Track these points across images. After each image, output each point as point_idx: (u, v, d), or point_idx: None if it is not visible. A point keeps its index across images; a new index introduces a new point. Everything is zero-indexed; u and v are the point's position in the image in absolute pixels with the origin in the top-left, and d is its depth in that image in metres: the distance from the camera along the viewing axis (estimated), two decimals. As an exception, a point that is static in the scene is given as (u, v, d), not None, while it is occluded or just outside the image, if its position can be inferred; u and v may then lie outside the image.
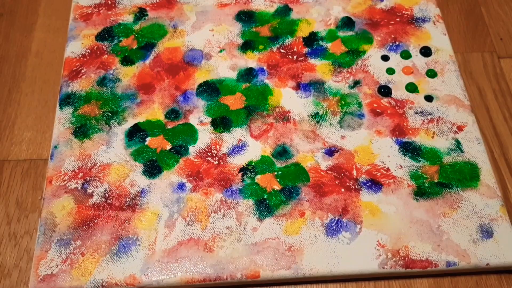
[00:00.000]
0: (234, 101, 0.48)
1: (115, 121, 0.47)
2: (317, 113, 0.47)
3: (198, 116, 0.47)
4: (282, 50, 0.51)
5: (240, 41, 0.52)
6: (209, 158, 0.44)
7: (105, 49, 0.51)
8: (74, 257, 0.40)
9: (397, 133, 0.46)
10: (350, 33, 0.52)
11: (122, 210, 0.42)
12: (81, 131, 0.46)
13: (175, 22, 0.53)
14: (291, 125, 0.46)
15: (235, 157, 0.44)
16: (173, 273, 0.39)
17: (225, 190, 0.43)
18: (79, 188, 0.43)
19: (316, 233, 0.41)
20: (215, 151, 0.45)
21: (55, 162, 0.44)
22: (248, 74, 0.49)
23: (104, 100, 0.48)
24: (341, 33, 0.52)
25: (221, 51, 0.51)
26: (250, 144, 0.45)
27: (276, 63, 0.50)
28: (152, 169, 0.44)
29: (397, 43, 0.51)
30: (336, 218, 0.41)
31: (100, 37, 0.52)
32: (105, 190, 0.43)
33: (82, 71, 0.49)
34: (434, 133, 0.46)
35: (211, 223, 0.41)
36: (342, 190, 0.43)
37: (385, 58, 0.50)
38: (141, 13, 0.54)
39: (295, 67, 0.50)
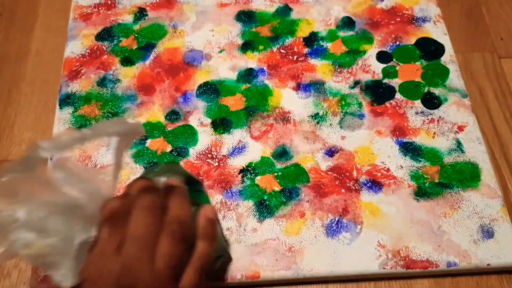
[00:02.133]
0: (234, 102, 0.48)
1: (115, 121, 0.46)
2: (317, 113, 0.47)
3: (198, 118, 0.47)
4: (282, 51, 0.51)
5: (240, 41, 0.51)
6: (209, 160, 0.44)
7: (105, 49, 0.51)
8: (75, 258, 0.40)
9: (397, 133, 0.46)
10: (351, 33, 0.52)
11: (122, 211, 0.42)
12: (81, 131, 0.46)
13: (175, 22, 0.53)
14: (291, 125, 0.46)
15: (235, 158, 0.44)
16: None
17: (225, 191, 0.43)
18: (79, 189, 0.43)
19: (316, 234, 0.41)
20: (215, 153, 0.45)
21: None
22: (248, 74, 0.49)
23: (104, 100, 0.48)
24: (341, 33, 0.52)
25: (221, 51, 0.51)
26: (250, 145, 0.45)
27: (276, 63, 0.50)
28: (152, 170, 0.44)
29: (397, 43, 0.51)
30: (336, 219, 0.41)
31: (100, 37, 0.52)
32: (105, 191, 0.43)
33: (82, 71, 0.49)
34: (434, 133, 0.46)
35: (211, 224, 0.41)
36: (342, 190, 0.43)
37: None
38: (141, 13, 0.53)
39: (295, 67, 0.50)
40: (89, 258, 0.30)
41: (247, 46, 0.51)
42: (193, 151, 0.45)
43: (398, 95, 0.48)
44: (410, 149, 0.45)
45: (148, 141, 0.45)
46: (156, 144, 0.45)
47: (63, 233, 0.29)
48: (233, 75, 0.49)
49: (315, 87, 0.48)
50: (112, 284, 0.29)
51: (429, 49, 0.51)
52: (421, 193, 0.43)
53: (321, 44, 0.51)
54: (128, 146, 0.33)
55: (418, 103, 0.47)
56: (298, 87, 0.48)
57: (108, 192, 0.32)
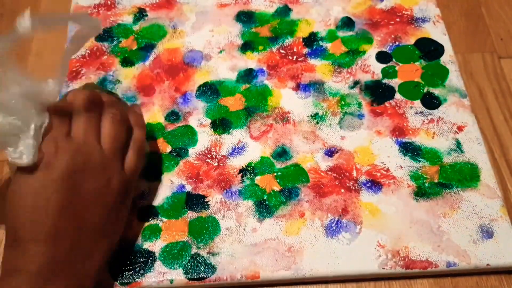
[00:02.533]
0: (234, 102, 0.48)
1: (115, 122, 0.47)
2: (317, 113, 0.47)
3: (197, 118, 0.47)
4: (281, 51, 0.51)
5: (240, 41, 0.51)
6: (209, 160, 0.44)
7: (104, 50, 0.51)
8: (74, 258, 0.40)
9: (397, 133, 0.46)
10: (350, 33, 0.52)
11: (122, 211, 0.42)
12: (81, 132, 0.46)
13: (175, 22, 0.53)
14: (291, 126, 0.46)
15: (234, 158, 0.44)
16: (173, 274, 0.39)
17: (225, 191, 0.43)
18: (79, 189, 0.43)
19: (316, 234, 0.41)
20: (214, 153, 0.45)
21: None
22: (247, 75, 0.49)
23: (104, 101, 0.48)
24: (341, 33, 0.52)
25: (220, 52, 0.51)
26: (249, 145, 0.45)
27: (275, 63, 0.50)
28: (152, 171, 0.44)
29: (397, 43, 0.51)
30: (336, 219, 0.41)
31: (99, 37, 0.52)
32: (105, 191, 0.43)
33: (82, 71, 0.50)
34: (434, 133, 0.46)
35: (211, 224, 0.41)
36: (342, 190, 0.43)
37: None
38: (140, 13, 0.54)
39: (295, 67, 0.50)
40: (45, 140, 0.34)
41: (246, 47, 0.51)
42: (192, 151, 0.45)
43: (397, 95, 0.48)
44: (409, 149, 0.45)
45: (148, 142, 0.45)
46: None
47: (22, 114, 0.33)
48: (232, 76, 0.49)
49: (315, 87, 0.49)
50: (67, 162, 0.33)
51: (429, 49, 0.51)
52: (420, 193, 0.43)
53: (321, 44, 0.51)
54: (79, 45, 0.39)
55: (417, 103, 0.47)
56: (297, 87, 0.49)
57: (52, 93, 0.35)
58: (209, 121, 0.47)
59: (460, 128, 0.46)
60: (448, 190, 0.43)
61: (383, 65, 0.50)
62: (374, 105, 0.47)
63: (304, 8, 0.54)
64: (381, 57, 0.50)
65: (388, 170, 0.44)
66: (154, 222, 0.41)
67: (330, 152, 0.45)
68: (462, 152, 0.45)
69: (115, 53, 0.51)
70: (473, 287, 0.40)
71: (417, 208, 0.42)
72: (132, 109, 0.41)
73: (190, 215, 0.42)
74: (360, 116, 0.47)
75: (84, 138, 0.35)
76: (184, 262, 0.39)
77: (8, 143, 0.32)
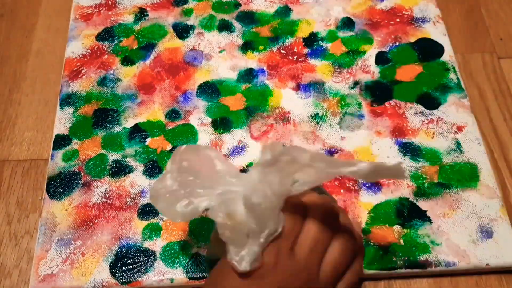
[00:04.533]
0: (234, 102, 0.48)
1: (115, 121, 0.47)
2: (317, 114, 0.47)
3: (198, 117, 0.47)
4: (282, 51, 0.51)
5: (240, 41, 0.52)
6: (209, 159, 0.44)
7: (105, 49, 0.51)
8: (75, 257, 0.40)
9: (396, 133, 0.46)
10: (350, 33, 0.52)
11: (123, 210, 0.42)
12: (82, 131, 0.46)
13: (175, 22, 0.53)
14: (291, 126, 0.46)
15: (235, 158, 0.45)
16: (174, 273, 0.39)
17: (225, 190, 0.43)
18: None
19: (316, 234, 0.41)
20: (215, 152, 0.45)
21: (56, 162, 0.44)
22: (248, 74, 0.49)
23: (105, 100, 0.48)
24: (341, 34, 0.52)
25: (221, 51, 0.51)
26: (250, 145, 0.45)
27: (276, 63, 0.50)
28: (153, 170, 0.44)
29: (397, 43, 0.51)
30: (336, 219, 0.41)
31: (100, 37, 0.52)
32: (105, 190, 0.43)
33: (83, 71, 0.50)
34: (434, 133, 0.46)
35: (211, 223, 0.41)
36: (342, 191, 0.43)
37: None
38: (141, 13, 0.54)
39: (295, 67, 0.50)
40: (268, 248, 0.30)
41: (247, 46, 0.51)
42: (193, 151, 0.45)
43: (397, 96, 0.48)
44: (409, 150, 0.45)
45: (148, 140, 0.46)
46: (156, 143, 0.45)
47: (262, 218, 0.30)
48: (233, 75, 0.49)
49: (315, 87, 0.49)
50: (282, 281, 0.30)
51: (429, 50, 0.51)
52: (420, 193, 0.43)
53: (321, 44, 0.51)
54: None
55: (417, 103, 0.47)
56: (298, 87, 0.49)
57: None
58: (210, 120, 0.47)
59: (459, 129, 0.46)
60: (448, 190, 0.43)
61: (383, 66, 0.50)
62: (374, 105, 0.47)
63: (304, 8, 0.54)
64: (381, 57, 0.50)
65: (388, 170, 0.44)
66: (155, 221, 0.41)
67: (330, 152, 0.45)
68: (461, 152, 0.45)
69: (115, 52, 0.51)
70: (473, 287, 0.40)
71: (417, 208, 0.42)
72: (358, 234, 0.37)
73: (190, 214, 0.42)
74: (360, 117, 0.47)
75: (306, 261, 0.31)
76: (184, 261, 0.40)
77: (235, 242, 0.30)
